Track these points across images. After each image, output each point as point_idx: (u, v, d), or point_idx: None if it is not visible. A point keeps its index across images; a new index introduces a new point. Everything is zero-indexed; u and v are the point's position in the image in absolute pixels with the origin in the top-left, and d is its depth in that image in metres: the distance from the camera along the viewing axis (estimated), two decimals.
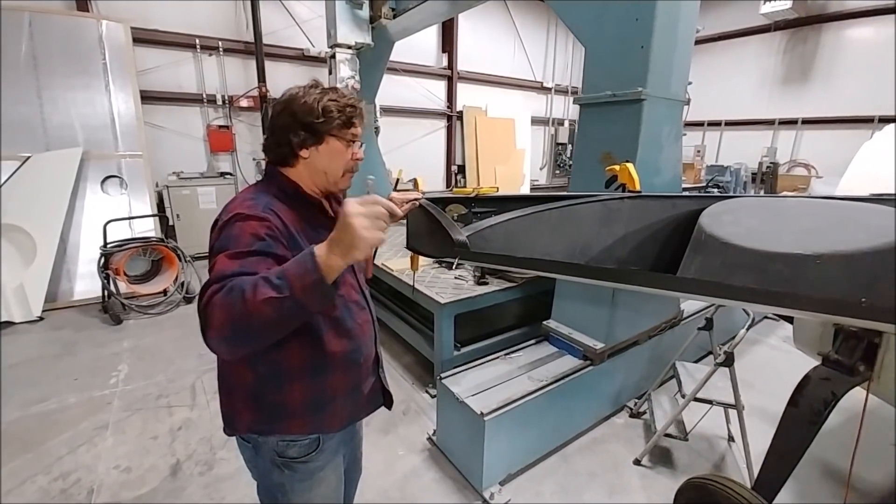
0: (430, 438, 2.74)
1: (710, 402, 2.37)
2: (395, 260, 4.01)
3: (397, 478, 2.47)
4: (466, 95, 9.76)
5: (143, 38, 6.05)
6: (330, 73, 4.78)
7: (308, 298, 0.90)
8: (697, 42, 10.34)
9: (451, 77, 9.41)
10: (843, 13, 8.24)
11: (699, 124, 10.32)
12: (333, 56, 4.60)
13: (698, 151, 10.18)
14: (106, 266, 4.45)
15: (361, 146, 1.30)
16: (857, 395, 1.76)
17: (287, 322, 0.94)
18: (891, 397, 1.85)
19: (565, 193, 1.79)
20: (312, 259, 0.91)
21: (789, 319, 2.32)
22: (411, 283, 3.25)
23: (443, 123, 9.71)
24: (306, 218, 1.25)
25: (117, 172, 5.26)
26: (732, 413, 2.58)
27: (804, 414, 1.78)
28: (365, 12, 4.58)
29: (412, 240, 1.51)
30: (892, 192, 1.77)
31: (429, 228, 1.39)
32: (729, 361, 2.23)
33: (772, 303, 1.05)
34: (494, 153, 9.76)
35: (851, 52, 8.29)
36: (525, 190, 10.19)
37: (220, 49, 6.70)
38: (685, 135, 2.74)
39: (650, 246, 1.80)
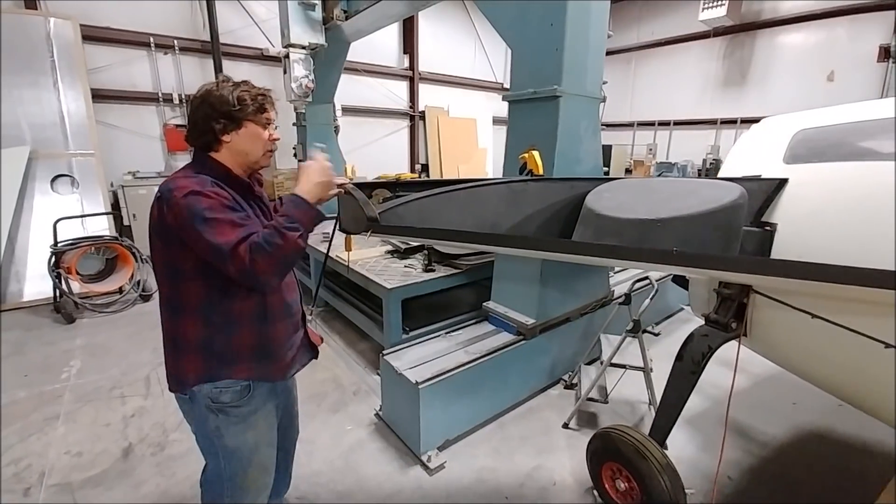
0: (377, 414, 2.93)
1: (623, 366, 2.65)
2: (351, 251, 4.17)
3: (343, 449, 2.65)
4: (428, 96, 9.98)
5: (94, 35, 5.98)
6: (285, 72, 4.89)
7: (313, 228, 1.37)
8: (647, 47, 10.82)
9: (412, 78, 9.60)
10: (774, 20, 8.90)
11: (650, 124, 10.89)
12: (287, 56, 4.72)
13: (650, 149, 10.75)
14: (57, 265, 4.42)
15: (276, 127, 1.50)
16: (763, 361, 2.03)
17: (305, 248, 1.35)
18: (762, 351, 2.15)
19: (478, 178, 2.02)
20: (302, 199, 1.34)
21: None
22: (361, 271, 3.44)
23: (405, 123, 9.89)
24: (240, 193, 1.45)
25: (68, 171, 5.20)
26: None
27: (687, 365, 2.06)
28: (318, 13, 4.72)
29: (343, 223, 1.70)
30: (751, 174, 2.08)
31: (353, 209, 1.60)
32: (636, 329, 2.52)
33: (611, 255, 1.30)
34: (457, 152, 10.02)
35: (783, 56, 8.97)
36: None
37: (176, 48, 6.67)
38: (605, 129, 3.02)
39: (554, 223, 2.05)
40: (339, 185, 1.57)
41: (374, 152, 9.37)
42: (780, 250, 1.93)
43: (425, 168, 10.02)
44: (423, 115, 9.89)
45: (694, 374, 2.05)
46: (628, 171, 10.38)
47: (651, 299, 2.55)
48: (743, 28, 9.20)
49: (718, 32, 9.41)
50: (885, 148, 1.79)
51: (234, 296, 1.40)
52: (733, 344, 2.02)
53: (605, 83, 2.95)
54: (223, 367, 1.44)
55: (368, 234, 1.64)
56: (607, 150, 10.91)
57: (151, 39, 6.44)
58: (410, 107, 9.78)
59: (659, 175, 8.80)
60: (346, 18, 4.74)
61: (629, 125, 11.35)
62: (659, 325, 4.28)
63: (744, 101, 9.53)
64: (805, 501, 2.31)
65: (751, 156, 2.23)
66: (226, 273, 1.27)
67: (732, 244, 1.49)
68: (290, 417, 1.87)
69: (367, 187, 1.84)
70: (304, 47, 4.73)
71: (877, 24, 7.92)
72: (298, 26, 4.61)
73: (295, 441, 1.99)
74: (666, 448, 2.62)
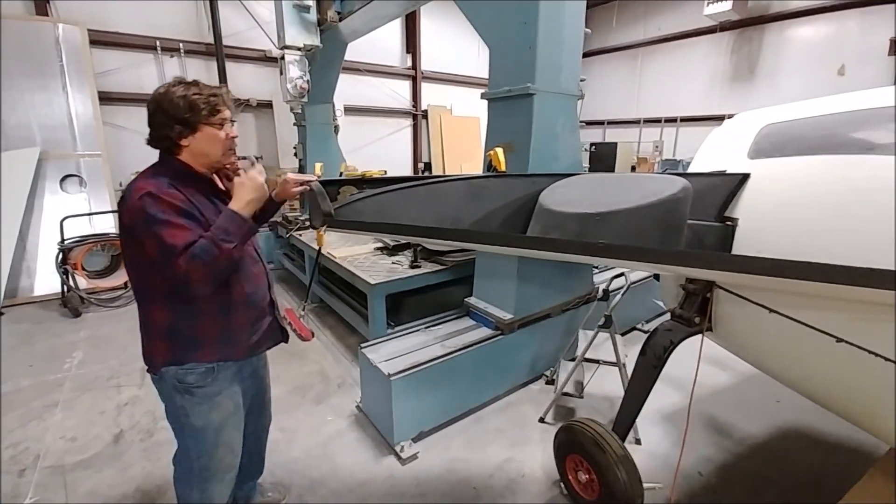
0: (358, 406, 3.00)
1: (597, 361, 2.68)
2: (341, 248, 4.26)
3: (322, 439, 2.73)
4: (431, 95, 10.04)
5: (102, 39, 6.19)
6: (281, 73, 5.00)
7: (246, 240, 1.48)
8: (653, 43, 10.67)
9: (415, 77, 9.67)
10: (783, 13, 8.71)
11: (657, 121, 10.76)
12: (283, 57, 4.82)
13: (656, 146, 10.63)
14: (64, 261, 4.61)
15: (233, 124, 1.56)
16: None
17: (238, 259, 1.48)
18: (726, 345, 2.16)
19: (440, 175, 2.07)
20: (238, 215, 1.44)
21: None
22: (349, 267, 3.52)
23: (408, 122, 9.97)
24: (201, 191, 1.53)
25: (76, 171, 5.41)
26: None
27: (649, 360, 2.08)
28: (312, 15, 4.81)
29: (311, 218, 1.78)
30: (717, 169, 2.09)
31: (316, 206, 1.68)
32: (608, 324, 2.54)
33: (544, 248, 1.34)
34: (460, 151, 10.06)
35: (792, 50, 8.77)
36: None
37: (182, 51, 6.86)
38: (583, 126, 3.04)
39: (517, 218, 2.09)
40: (305, 183, 1.69)
41: (377, 151, 9.47)
42: (740, 245, 1.94)
43: (428, 167, 10.08)
44: (425, 114, 9.95)
45: (656, 368, 2.08)
46: (633, 168, 10.28)
47: (622, 295, 2.57)
48: (751, 22, 9.02)
49: (725, 27, 9.24)
50: (844, 142, 1.79)
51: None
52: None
53: (583, 80, 2.97)
54: (188, 351, 1.53)
55: (324, 228, 1.72)
56: (612, 147, 10.85)
57: (158, 43, 6.63)
58: (413, 106, 9.85)
59: (663, 172, 8.68)
60: (341, 20, 4.83)
61: (636, 122, 11.23)
62: (650, 323, 4.27)
63: (752, 96, 9.35)
64: (771, 498, 2.30)
65: (719, 151, 2.24)
66: (166, 275, 1.35)
67: (673, 237, 1.52)
68: (260, 404, 1.96)
69: (335, 184, 1.91)
70: (299, 49, 4.83)
71: (888, 17, 7.70)
72: (293, 28, 4.71)
73: (267, 427, 2.07)
74: (640, 444, 2.68)
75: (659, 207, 1.45)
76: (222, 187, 1.65)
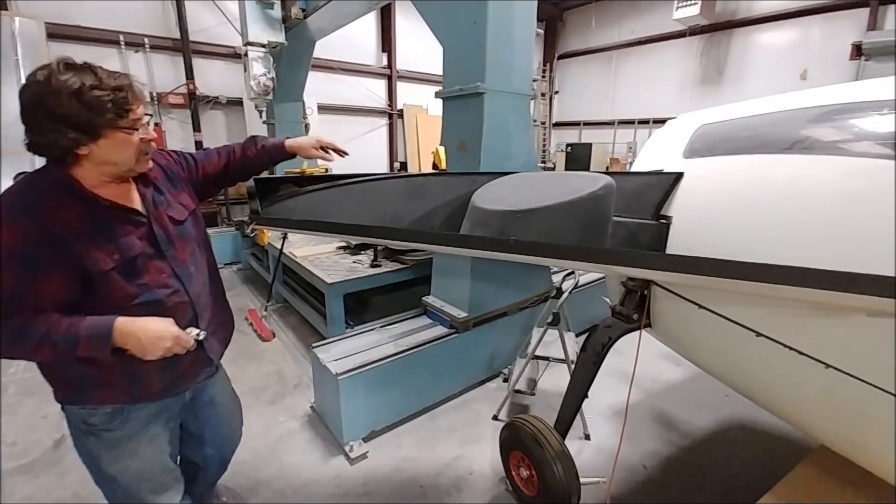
0: (312, 406, 2.97)
1: (546, 358, 2.70)
2: (304, 248, 4.22)
3: (271, 440, 2.69)
4: (407, 94, 10.00)
5: (61, 33, 6.00)
6: (245, 70, 4.93)
7: (86, 356, 1.14)
8: (627, 45, 10.79)
9: (390, 76, 9.63)
10: (749, 19, 8.94)
11: (631, 122, 10.92)
12: (247, 54, 4.75)
13: (630, 147, 10.80)
14: None
15: (147, 123, 1.22)
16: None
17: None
18: (664, 341, 2.20)
19: (378, 173, 2.07)
20: (109, 338, 1.12)
21: None
22: (309, 267, 3.49)
23: (384, 121, 9.92)
24: (89, 216, 1.14)
25: (31, 169, 5.22)
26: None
27: (589, 356, 2.11)
28: (277, 12, 4.75)
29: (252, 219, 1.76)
30: (656, 168, 2.13)
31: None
32: (556, 321, 2.56)
33: (465, 246, 1.35)
34: None
35: (758, 54, 9.01)
36: None
37: (147, 46, 6.70)
38: (537, 125, 3.06)
39: (458, 216, 2.09)
40: (328, 149, 1.72)
41: (353, 150, 9.10)
42: (674, 242, 1.98)
43: (404, 166, 10.05)
44: (401, 114, 9.92)
45: (595, 364, 2.11)
46: (607, 169, 10.43)
47: (569, 293, 2.60)
48: (719, 27, 9.23)
49: (695, 31, 9.44)
50: (766, 142, 1.85)
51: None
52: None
53: (535, 80, 3.00)
54: (85, 390, 1.25)
55: (251, 226, 1.70)
56: (588, 148, 10.98)
57: (121, 38, 6.46)
58: (389, 105, 9.81)
59: None
60: (305, 17, 4.78)
61: (610, 123, 11.39)
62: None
63: (721, 99, 9.56)
64: (709, 489, 2.36)
65: (659, 151, 2.28)
66: None
67: (595, 234, 1.54)
68: (215, 435, 1.73)
69: (275, 182, 1.90)
70: (263, 45, 4.77)
71: (850, 22, 7.97)
72: (257, 25, 4.65)
73: (217, 463, 1.89)
74: (589, 439, 2.71)
75: (579, 205, 1.47)
76: (137, 199, 1.28)
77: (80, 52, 6.24)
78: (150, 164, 1.30)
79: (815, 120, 1.61)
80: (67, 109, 1.04)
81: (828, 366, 1.36)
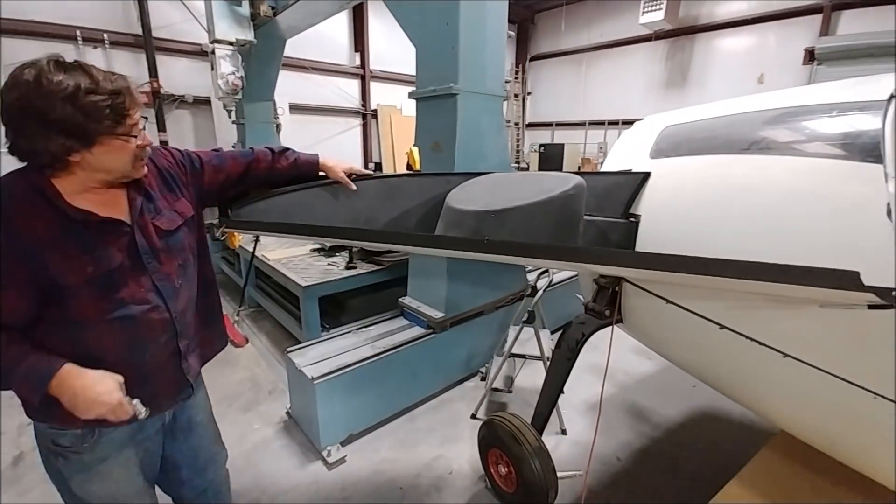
0: (288, 412, 2.92)
1: (523, 356, 2.75)
2: (277, 250, 4.14)
3: (246, 448, 2.63)
4: (381, 94, 9.95)
5: (13, 28, 5.70)
6: (213, 69, 4.79)
7: (17, 392, 1.07)
8: (597, 48, 11.03)
9: (364, 76, 9.56)
10: (710, 25, 9.31)
11: (601, 123, 11.20)
12: (213, 52, 4.62)
13: (601, 148, 11.07)
14: None
15: (144, 128, 1.13)
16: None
17: None
18: (636, 336, 2.27)
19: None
20: (45, 385, 1.02)
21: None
22: (282, 270, 3.43)
23: (358, 122, 9.84)
24: (61, 226, 1.05)
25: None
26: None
27: (563, 352, 2.16)
28: (245, 9, 4.64)
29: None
30: (624, 168, 2.19)
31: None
32: (531, 320, 2.61)
33: (438, 246, 1.35)
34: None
35: (719, 59, 9.40)
36: None
37: (106, 42, 6.42)
38: (510, 125, 3.10)
39: (433, 217, 2.09)
40: (351, 175, 1.73)
41: (327, 151, 9.14)
42: (643, 239, 2.05)
43: (379, 166, 9.99)
44: (375, 114, 9.86)
45: (569, 360, 2.15)
46: (579, 168, 10.66)
47: (543, 292, 2.65)
48: (682, 32, 9.58)
49: (660, 36, 9.77)
50: (725, 143, 1.93)
51: (45, 340, 1.10)
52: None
53: (508, 81, 3.04)
54: (55, 409, 1.11)
55: (220, 229, 1.66)
56: (560, 148, 11.19)
57: (78, 33, 6.17)
58: (363, 105, 9.73)
59: None
60: (275, 14, 4.68)
61: (582, 124, 11.64)
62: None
63: (684, 102, 9.91)
64: (679, 476, 2.45)
65: (627, 151, 2.35)
66: None
67: (567, 233, 1.58)
68: (175, 466, 1.53)
69: None
70: (231, 43, 4.64)
71: (803, 29, 8.39)
72: (224, 22, 4.52)
73: (224, 481, 1.82)
74: (565, 433, 2.77)
75: (551, 204, 1.50)
76: (125, 206, 1.17)
77: (33, 48, 5.94)
78: (146, 169, 1.21)
79: (770, 122, 1.70)
80: (60, 115, 0.95)
81: (786, 355, 1.43)
